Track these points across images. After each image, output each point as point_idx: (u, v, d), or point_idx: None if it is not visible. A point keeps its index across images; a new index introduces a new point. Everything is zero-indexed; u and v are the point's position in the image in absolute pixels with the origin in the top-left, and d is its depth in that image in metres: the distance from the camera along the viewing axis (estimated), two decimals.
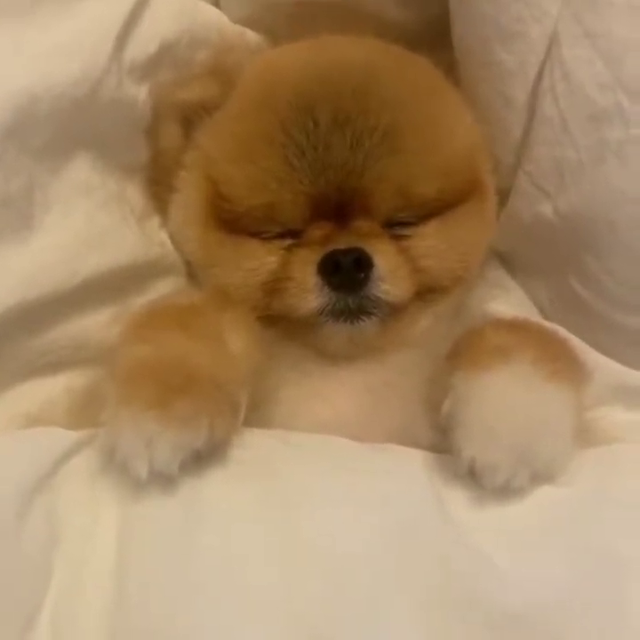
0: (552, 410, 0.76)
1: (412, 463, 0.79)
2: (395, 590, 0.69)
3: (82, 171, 0.91)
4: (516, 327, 0.87)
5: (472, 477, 0.74)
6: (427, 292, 0.94)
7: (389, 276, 0.89)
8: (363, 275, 0.87)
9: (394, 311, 0.91)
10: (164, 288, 1.00)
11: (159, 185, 1.00)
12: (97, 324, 0.92)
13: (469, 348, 0.82)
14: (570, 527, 0.73)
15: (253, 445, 0.78)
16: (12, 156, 0.83)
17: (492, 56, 0.93)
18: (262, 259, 0.92)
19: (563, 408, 0.77)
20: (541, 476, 0.74)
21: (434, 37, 1.02)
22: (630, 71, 0.85)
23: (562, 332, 0.92)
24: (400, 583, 0.70)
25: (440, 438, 0.80)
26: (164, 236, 1.01)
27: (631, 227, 0.87)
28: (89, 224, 0.91)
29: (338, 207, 0.90)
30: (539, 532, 0.73)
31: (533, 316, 1.02)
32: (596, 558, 0.71)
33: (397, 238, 0.92)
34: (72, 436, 0.79)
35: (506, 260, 1.07)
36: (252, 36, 1.10)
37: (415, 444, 0.83)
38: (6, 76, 0.82)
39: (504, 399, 0.75)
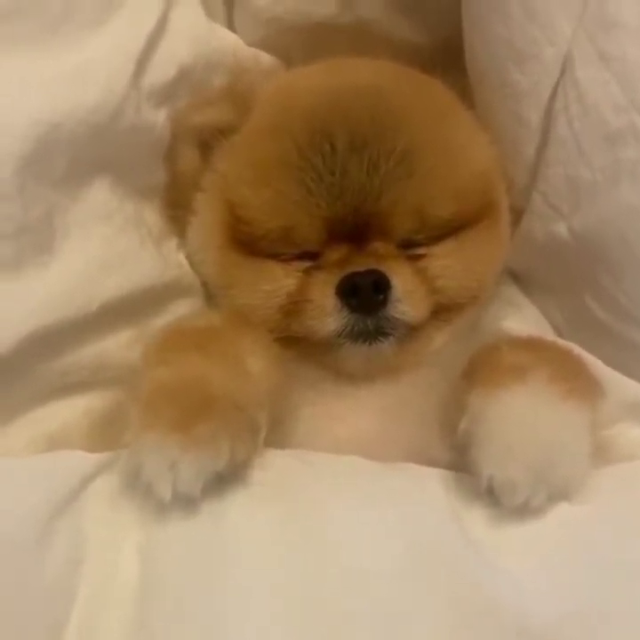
0: (569, 428, 0.76)
1: (431, 482, 0.79)
2: (416, 611, 0.70)
3: (100, 195, 0.91)
4: (531, 345, 0.87)
5: (491, 496, 0.74)
6: (442, 311, 0.95)
7: (407, 296, 0.89)
8: (381, 296, 0.87)
9: (411, 331, 0.92)
10: (181, 310, 1.00)
11: (177, 208, 1.01)
12: (116, 346, 0.92)
13: (485, 366, 0.83)
14: (590, 543, 0.74)
15: (274, 466, 0.79)
16: (31, 185, 0.83)
17: (505, 77, 0.93)
18: (280, 281, 0.92)
19: (579, 426, 0.77)
20: (559, 495, 0.74)
21: (448, 59, 1.03)
22: None
23: (577, 349, 0.92)
24: (421, 604, 0.70)
25: (457, 457, 0.79)
26: (181, 257, 1.02)
27: None
28: (107, 248, 0.91)
29: (355, 229, 0.90)
30: (559, 549, 0.73)
31: (548, 334, 1.02)
32: (617, 572, 0.71)
33: (413, 259, 0.93)
34: (93, 458, 0.79)
35: (520, 279, 1.07)
36: (266, 58, 1.11)
37: (432, 463, 0.82)
38: (26, 105, 0.83)
39: (522, 418, 0.75)
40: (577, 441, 0.76)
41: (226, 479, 0.74)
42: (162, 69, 0.94)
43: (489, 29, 0.93)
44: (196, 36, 1.00)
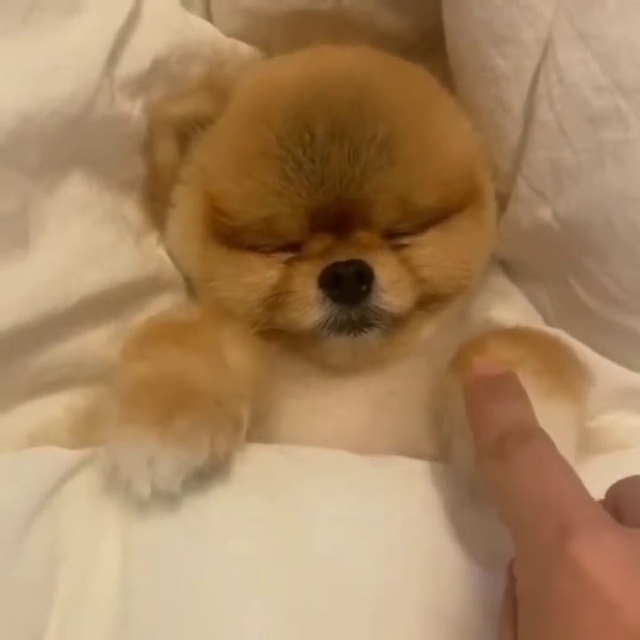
0: (552, 426, 0.74)
1: (416, 476, 0.78)
2: (397, 605, 0.69)
3: (77, 188, 0.90)
4: (517, 337, 0.86)
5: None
6: (429, 301, 0.94)
7: (391, 286, 0.88)
8: (364, 287, 0.86)
9: (396, 322, 0.91)
10: (162, 304, 0.99)
11: (157, 201, 1.00)
12: (96, 341, 0.91)
13: (470, 361, 0.81)
14: None
15: (256, 460, 0.78)
16: (5, 176, 0.82)
17: (486, 61, 0.92)
18: (262, 273, 0.92)
19: (564, 423, 0.76)
20: None
21: (429, 45, 1.02)
22: (626, 72, 0.84)
23: (564, 337, 0.92)
24: (403, 598, 0.69)
25: (443, 449, 0.79)
26: (161, 251, 1.01)
27: (630, 228, 0.86)
28: (86, 241, 0.90)
29: (337, 219, 0.89)
30: None
31: (536, 321, 1.02)
32: None
33: (397, 248, 0.92)
34: (73, 455, 0.79)
35: (507, 266, 1.07)
36: (244, 48, 1.10)
37: (419, 455, 0.82)
38: None
39: None
40: (562, 438, 0.74)
41: (207, 474, 0.73)
42: (135, 60, 0.93)
43: (467, 12, 0.91)
44: (171, 27, 0.99)
